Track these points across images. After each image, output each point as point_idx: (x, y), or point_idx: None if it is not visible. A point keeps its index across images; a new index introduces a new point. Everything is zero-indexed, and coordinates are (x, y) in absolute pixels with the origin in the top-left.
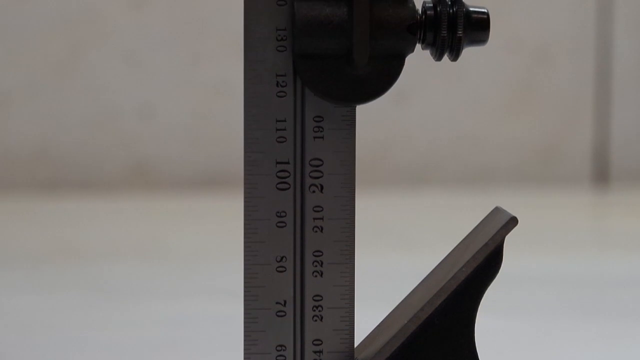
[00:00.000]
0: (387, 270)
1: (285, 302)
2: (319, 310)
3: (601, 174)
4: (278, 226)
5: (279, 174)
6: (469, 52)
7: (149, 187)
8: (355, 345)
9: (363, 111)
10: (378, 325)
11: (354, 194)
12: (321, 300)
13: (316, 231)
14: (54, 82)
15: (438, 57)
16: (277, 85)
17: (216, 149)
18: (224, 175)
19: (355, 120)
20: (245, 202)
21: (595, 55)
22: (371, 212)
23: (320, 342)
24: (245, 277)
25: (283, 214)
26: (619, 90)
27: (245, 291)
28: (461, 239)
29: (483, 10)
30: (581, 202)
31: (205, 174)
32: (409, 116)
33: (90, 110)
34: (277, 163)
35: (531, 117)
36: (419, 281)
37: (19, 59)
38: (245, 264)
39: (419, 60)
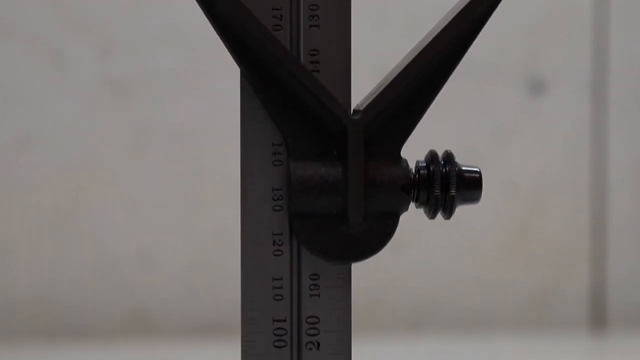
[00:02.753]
0: None
1: None
2: None
3: (599, 319)
4: None
5: (276, 332)
6: None
7: (147, 334)
8: None
9: None
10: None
11: (350, 350)
12: None
13: None
14: (52, 229)
15: (432, 215)
16: (274, 244)
17: (214, 297)
18: (222, 324)
19: (350, 278)
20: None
21: (590, 198)
22: (368, 359)
23: None
24: None
25: None
26: (615, 234)
27: None
28: None
29: (475, 169)
30: (579, 349)
31: (203, 322)
32: (405, 261)
33: (89, 257)
34: (274, 321)
35: (527, 262)
36: None
37: (18, 206)
38: None
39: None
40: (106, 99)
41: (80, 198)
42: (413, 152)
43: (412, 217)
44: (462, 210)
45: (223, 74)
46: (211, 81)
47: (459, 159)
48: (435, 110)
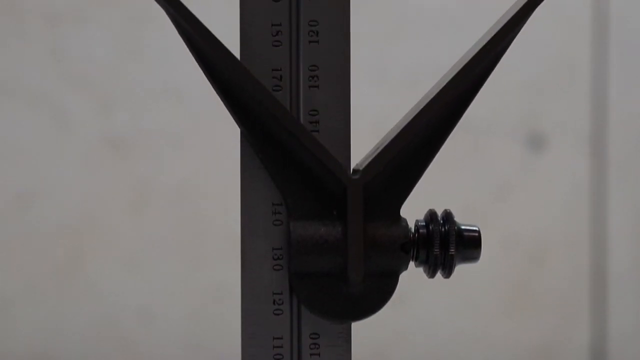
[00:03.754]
0: None
1: None
2: None
3: None
4: None
5: None
6: None
7: None
8: None
9: None
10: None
11: None
12: None
13: None
14: (53, 285)
15: (431, 274)
16: (274, 303)
17: (215, 353)
18: None
19: (350, 337)
20: None
21: (590, 253)
22: None
23: None
24: None
25: None
26: (615, 289)
27: None
28: None
29: (474, 228)
30: None
31: None
32: (406, 317)
33: (90, 313)
34: None
35: (528, 317)
36: None
37: (20, 264)
38: None
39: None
40: (107, 155)
41: (81, 254)
42: (413, 208)
43: (412, 271)
44: (462, 265)
45: (223, 131)
46: (211, 137)
47: (458, 214)
48: (435, 165)
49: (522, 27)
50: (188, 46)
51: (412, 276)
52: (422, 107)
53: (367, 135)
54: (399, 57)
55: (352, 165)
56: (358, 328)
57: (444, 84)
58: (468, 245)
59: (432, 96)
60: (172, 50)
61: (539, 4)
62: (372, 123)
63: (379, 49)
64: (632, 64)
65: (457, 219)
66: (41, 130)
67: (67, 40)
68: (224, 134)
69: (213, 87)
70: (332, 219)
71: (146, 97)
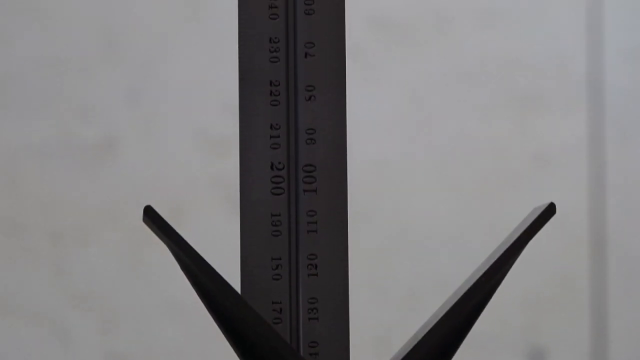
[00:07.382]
0: None
1: None
2: None
3: None
4: None
5: None
6: None
7: None
8: None
9: None
10: None
11: None
12: None
13: None
14: None
15: None
16: None
17: None
18: None
19: None
20: None
21: None
22: None
23: None
24: None
25: None
26: None
27: None
28: None
29: None
30: None
31: None
32: None
33: None
34: None
35: None
36: None
37: None
38: None
39: None
40: None
41: None
42: None
43: None
44: None
45: (227, 349)
46: (214, 355)
47: None
48: None
49: (518, 256)
50: (188, 278)
51: None
52: (418, 339)
53: (369, 351)
54: (398, 271)
55: None
56: None
57: (440, 315)
58: None
59: (428, 329)
60: (174, 267)
61: (535, 234)
62: (373, 339)
63: (379, 263)
64: (631, 277)
65: None
66: (43, 347)
67: (70, 259)
68: (227, 354)
69: (213, 318)
70: None
71: (148, 315)
